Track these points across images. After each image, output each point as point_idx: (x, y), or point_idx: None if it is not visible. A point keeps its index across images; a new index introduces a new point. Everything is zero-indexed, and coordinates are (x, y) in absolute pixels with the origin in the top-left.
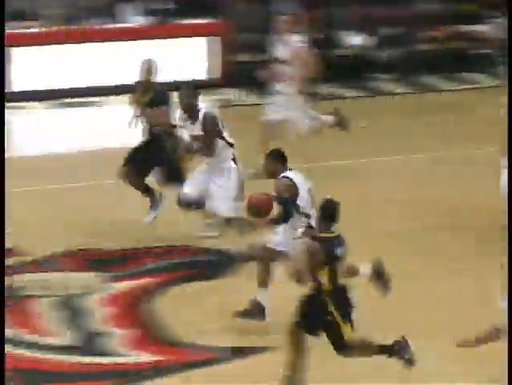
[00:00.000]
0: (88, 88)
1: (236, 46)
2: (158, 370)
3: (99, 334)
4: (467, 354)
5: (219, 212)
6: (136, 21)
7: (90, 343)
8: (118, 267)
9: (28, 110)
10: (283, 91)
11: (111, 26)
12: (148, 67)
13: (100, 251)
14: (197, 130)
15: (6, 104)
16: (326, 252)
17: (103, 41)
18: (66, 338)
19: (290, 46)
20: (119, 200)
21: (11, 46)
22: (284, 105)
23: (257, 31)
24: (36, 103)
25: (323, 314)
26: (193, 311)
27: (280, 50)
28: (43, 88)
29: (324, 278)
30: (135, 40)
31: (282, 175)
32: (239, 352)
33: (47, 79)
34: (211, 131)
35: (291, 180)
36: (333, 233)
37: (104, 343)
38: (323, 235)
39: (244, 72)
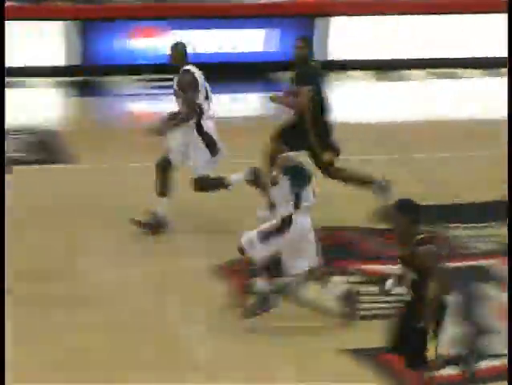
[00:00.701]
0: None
1: None
2: None
3: None
4: None
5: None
6: None
7: None
8: None
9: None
10: None
11: None
12: (305, 44)
13: None
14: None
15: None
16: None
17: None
18: None
19: None
20: None
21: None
22: None
23: None
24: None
25: (415, 324)
26: None
27: None
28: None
29: (431, 285)
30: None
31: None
32: None
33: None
34: (187, 90)
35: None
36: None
37: None
38: (426, 236)
39: None
